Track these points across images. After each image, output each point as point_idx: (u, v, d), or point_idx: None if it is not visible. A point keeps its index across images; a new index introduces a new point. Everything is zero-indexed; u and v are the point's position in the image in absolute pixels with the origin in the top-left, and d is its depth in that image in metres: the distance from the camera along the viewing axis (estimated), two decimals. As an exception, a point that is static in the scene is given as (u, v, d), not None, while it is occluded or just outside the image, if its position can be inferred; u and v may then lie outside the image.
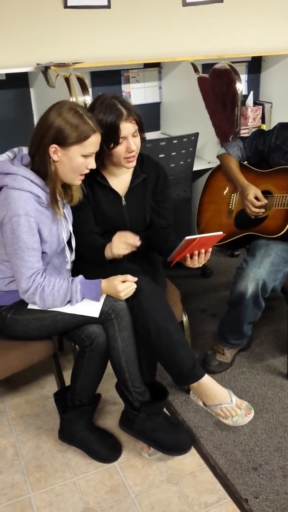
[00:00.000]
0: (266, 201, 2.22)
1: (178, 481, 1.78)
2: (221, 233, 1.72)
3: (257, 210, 2.23)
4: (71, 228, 1.85)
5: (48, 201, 1.70)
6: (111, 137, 1.78)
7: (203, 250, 1.79)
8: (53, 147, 1.62)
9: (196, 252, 1.78)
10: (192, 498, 1.71)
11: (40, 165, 1.66)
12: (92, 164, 1.69)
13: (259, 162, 2.34)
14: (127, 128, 1.79)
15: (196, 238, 1.68)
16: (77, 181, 1.72)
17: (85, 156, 1.66)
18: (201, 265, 1.82)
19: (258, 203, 2.23)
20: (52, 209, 1.72)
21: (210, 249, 1.81)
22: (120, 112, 1.77)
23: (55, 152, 1.63)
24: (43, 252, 1.73)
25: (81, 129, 1.61)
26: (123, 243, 1.77)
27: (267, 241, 2.19)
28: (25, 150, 1.77)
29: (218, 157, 2.45)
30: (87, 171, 1.71)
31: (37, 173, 1.68)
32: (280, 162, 2.23)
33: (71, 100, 2.44)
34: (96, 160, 1.88)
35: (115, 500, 1.71)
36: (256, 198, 2.24)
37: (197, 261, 1.81)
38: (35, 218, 1.65)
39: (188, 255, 1.79)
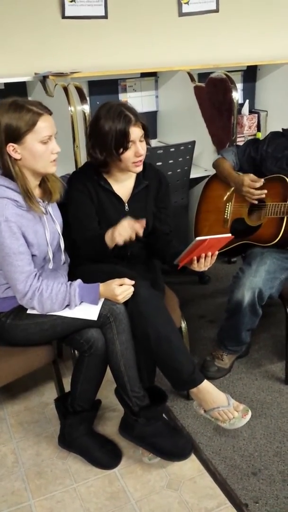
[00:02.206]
0: (262, 180, 2.22)
1: (178, 487, 1.78)
2: (229, 235, 1.74)
3: (258, 192, 2.21)
4: (59, 229, 1.84)
5: (26, 203, 1.70)
6: (120, 142, 1.81)
7: (210, 253, 1.81)
8: (10, 146, 1.63)
9: (203, 255, 1.80)
10: (192, 504, 1.72)
11: (5, 169, 1.67)
12: (55, 148, 1.68)
13: (252, 171, 2.36)
14: (135, 132, 1.82)
15: (206, 239, 1.70)
16: (50, 168, 1.71)
17: (43, 142, 1.65)
18: (206, 269, 1.84)
19: (257, 184, 2.22)
20: (30, 209, 1.70)
21: (217, 253, 1.83)
22: (128, 118, 1.80)
23: (14, 150, 1.63)
24: (32, 255, 1.74)
25: (26, 117, 1.60)
26: (128, 228, 1.78)
27: (262, 249, 2.21)
28: None
29: (213, 164, 2.47)
30: (54, 157, 1.69)
31: (9, 178, 1.68)
32: (273, 170, 2.25)
33: (70, 109, 2.47)
34: (103, 166, 1.91)
35: (115, 507, 1.72)
36: (253, 181, 2.24)
37: (203, 265, 1.82)
38: (15, 223, 1.65)
39: (195, 258, 1.81)
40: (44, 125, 1.64)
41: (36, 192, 1.77)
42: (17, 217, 1.67)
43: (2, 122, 1.61)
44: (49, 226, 1.79)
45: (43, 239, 1.77)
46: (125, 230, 1.79)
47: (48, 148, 1.67)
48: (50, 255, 1.82)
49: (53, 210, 1.84)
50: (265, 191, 2.21)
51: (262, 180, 2.22)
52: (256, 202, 2.26)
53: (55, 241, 1.84)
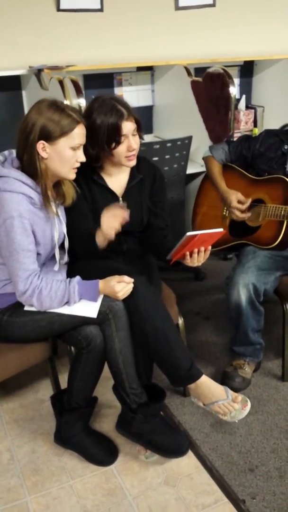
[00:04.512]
0: (250, 201, 2.24)
1: (175, 483, 1.78)
2: (221, 229, 1.72)
3: (243, 215, 2.27)
4: (65, 230, 1.84)
5: (41, 202, 1.70)
6: (113, 137, 1.79)
7: (202, 248, 1.79)
8: (41, 144, 1.63)
9: (196, 250, 1.78)
10: (189, 500, 1.71)
11: (29, 165, 1.66)
12: (81, 157, 1.70)
13: (243, 166, 2.35)
14: (128, 127, 1.80)
15: (197, 234, 1.68)
16: (71, 174, 1.72)
17: (73, 148, 1.66)
18: (200, 264, 1.82)
19: (243, 207, 2.26)
20: (45, 207, 1.71)
21: (210, 248, 1.80)
22: (121, 112, 1.78)
23: (43, 148, 1.64)
24: (37, 254, 1.73)
25: (65, 121, 1.63)
26: (112, 216, 1.77)
27: (254, 248, 2.20)
28: (15, 152, 1.77)
29: (203, 158, 2.47)
30: (77, 165, 1.71)
31: (28, 174, 1.68)
32: (264, 169, 2.25)
33: (65, 102, 2.44)
34: (96, 161, 1.90)
35: (112, 503, 1.71)
36: (240, 202, 2.27)
37: (196, 260, 1.80)
38: (29, 220, 1.65)
39: (188, 253, 1.79)
40: (79, 133, 1.66)
41: (50, 192, 1.75)
42: (30, 214, 1.67)
43: (39, 120, 1.62)
44: (57, 227, 1.79)
45: (49, 239, 1.77)
46: (110, 222, 1.76)
47: (76, 155, 1.68)
48: (57, 256, 1.82)
49: (61, 211, 1.84)
50: (249, 214, 2.26)
51: (249, 200, 2.25)
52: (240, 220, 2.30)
53: (60, 241, 1.84)
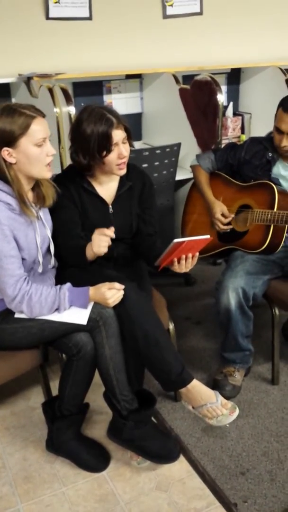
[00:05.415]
0: (233, 216, 2.30)
1: (167, 488, 1.78)
2: (208, 236, 1.74)
3: (225, 227, 2.31)
4: (49, 234, 1.84)
5: (20, 208, 1.69)
6: (103, 145, 1.81)
7: (190, 255, 1.81)
8: (5, 151, 1.63)
9: (184, 256, 1.81)
10: (181, 505, 1.72)
11: (0, 173, 1.66)
12: (51, 150, 1.68)
13: (230, 173, 2.39)
14: (118, 135, 1.82)
15: (184, 241, 1.70)
16: (45, 172, 1.71)
17: (37, 145, 1.65)
18: (188, 270, 1.84)
19: (225, 220, 2.31)
20: (24, 213, 1.70)
21: (197, 254, 1.83)
22: (110, 121, 1.80)
23: (9, 154, 1.63)
24: (22, 259, 1.73)
25: (19, 120, 1.61)
26: (103, 237, 1.77)
27: (243, 252, 2.23)
28: None
29: (191, 167, 2.51)
30: (50, 159, 1.70)
31: (4, 181, 1.67)
32: (250, 175, 2.29)
33: (54, 110, 2.46)
34: (87, 170, 1.91)
35: (105, 509, 1.71)
36: (223, 215, 2.31)
37: (184, 266, 1.82)
38: (8, 226, 1.65)
39: (176, 259, 1.81)
40: (38, 128, 1.64)
41: (29, 196, 1.76)
42: (10, 220, 1.66)
43: None
44: (40, 231, 1.78)
45: (33, 243, 1.76)
46: (100, 247, 1.77)
47: (43, 151, 1.66)
48: (40, 259, 1.81)
49: (44, 214, 1.83)
50: (231, 226, 2.31)
51: (232, 216, 2.30)
52: (222, 232, 2.34)
53: (45, 245, 1.83)
